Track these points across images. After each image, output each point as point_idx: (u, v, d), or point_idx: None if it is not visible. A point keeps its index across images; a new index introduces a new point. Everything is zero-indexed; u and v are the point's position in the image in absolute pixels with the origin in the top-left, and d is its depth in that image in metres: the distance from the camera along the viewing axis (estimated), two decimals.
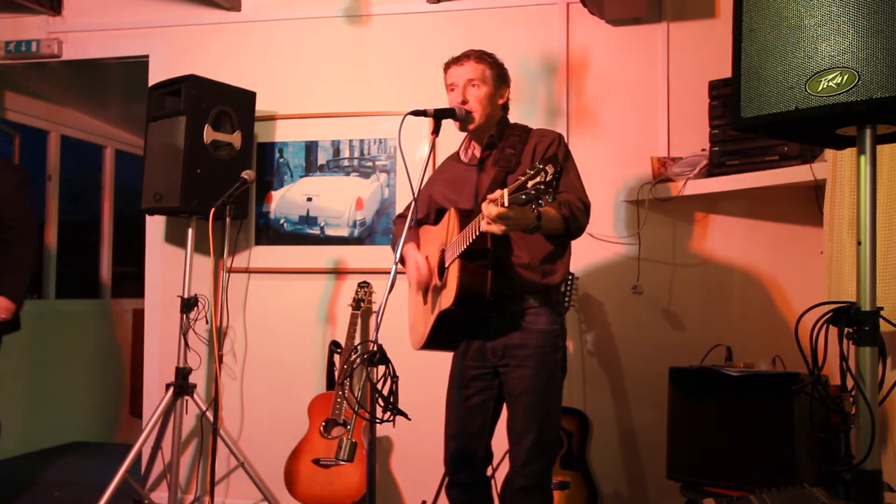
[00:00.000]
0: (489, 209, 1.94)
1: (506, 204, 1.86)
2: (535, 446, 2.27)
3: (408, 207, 2.66)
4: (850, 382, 1.54)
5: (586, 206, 2.27)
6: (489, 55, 2.42)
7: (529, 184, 1.80)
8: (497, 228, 1.96)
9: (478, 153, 2.44)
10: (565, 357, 2.38)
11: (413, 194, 2.18)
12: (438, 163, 3.41)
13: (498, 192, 1.90)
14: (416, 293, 2.47)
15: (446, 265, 2.26)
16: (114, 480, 3.20)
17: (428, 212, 2.55)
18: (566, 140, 3.34)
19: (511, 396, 2.32)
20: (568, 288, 3.12)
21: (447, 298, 2.20)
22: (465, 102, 2.35)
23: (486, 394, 2.37)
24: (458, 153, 2.54)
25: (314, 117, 3.65)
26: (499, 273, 2.19)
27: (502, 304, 2.28)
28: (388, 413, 1.93)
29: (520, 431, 2.29)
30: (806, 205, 3.09)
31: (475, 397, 2.37)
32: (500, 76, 2.42)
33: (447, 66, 2.43)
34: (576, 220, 2.20)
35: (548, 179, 1.78)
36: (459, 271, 2.15)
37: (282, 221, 3.68)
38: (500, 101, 2.43)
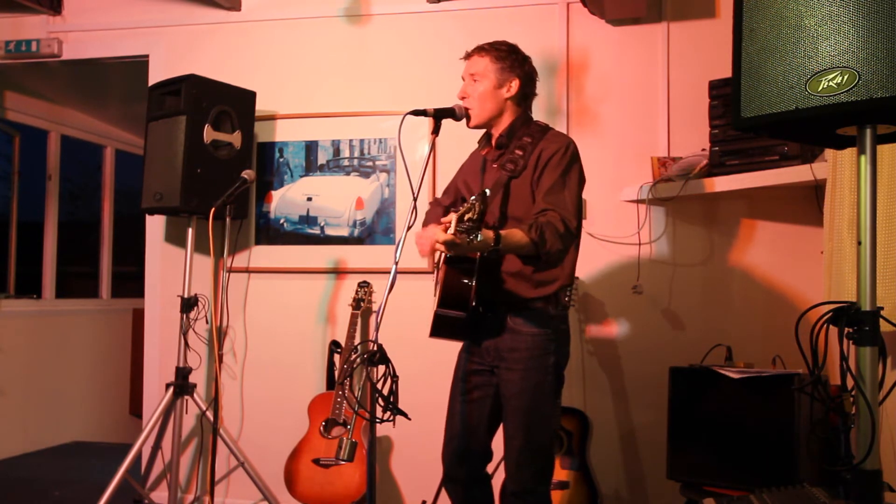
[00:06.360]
0: (437, 233, 1.91)
1: (451, 232, 1.84)
2: (523, 451, 2.25)
3: (444, 192, 2.64)
4: (850, 382, 1.54)
5: (567, 230, 2.12)
6: (496, 45, 2.34)
7: (465, 217, 1.82)
8: (448, 250, 1.94)
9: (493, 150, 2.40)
10: (560, 362, 2.29)
11: (413, 194, 2.16)
12: (438, 162, 3.46)
13: (449, 217, 1.88)
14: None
15: (440, 264, 2.26)
16: (114, 480, 3.19)
17: (455, 199, 2.52)
18: None
19: (504, 398, 2.31)
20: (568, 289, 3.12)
21: (437, 300, 2.20)
22: (464, 98, 2.33)
23: (485, 390, 2.36)
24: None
25: (314, 117, 3.65)
26: (489, 280, 2.18)
27: (494, 307, 2.27)
28: (388, 413, 1.94)
29: (510, 434, 2.29)
30: (806, 205, 3.09)
31: (474, 392, 2.37)
32: (505, 67, 2.30)
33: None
34: (545, 244, 2.05)
35: (475, 217, 1.80)
36: (445, 276, 2.15)
37: (282, 221, 3.68)
38: (507, 94, 2.31)
